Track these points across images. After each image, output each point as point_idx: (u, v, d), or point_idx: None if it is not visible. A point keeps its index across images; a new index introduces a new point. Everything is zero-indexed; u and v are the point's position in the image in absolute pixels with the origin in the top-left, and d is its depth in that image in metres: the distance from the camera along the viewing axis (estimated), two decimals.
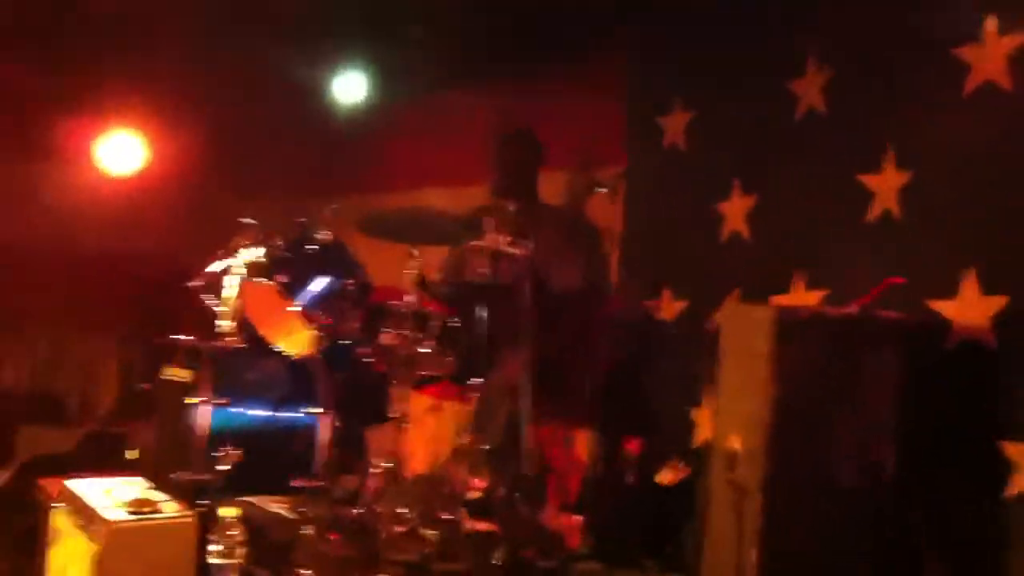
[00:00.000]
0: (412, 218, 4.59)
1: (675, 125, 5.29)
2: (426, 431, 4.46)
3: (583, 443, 4.71)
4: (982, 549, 3.61)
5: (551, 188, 5.51)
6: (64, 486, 3.64)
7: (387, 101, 6.53)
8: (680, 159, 5.29)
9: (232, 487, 3.90)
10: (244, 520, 3.46)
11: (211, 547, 3.36)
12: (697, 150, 5.22)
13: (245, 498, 3.71)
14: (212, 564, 3.35)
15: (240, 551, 3.38)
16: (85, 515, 3.34)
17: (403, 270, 4.43)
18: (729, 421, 3.58)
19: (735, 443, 3.42)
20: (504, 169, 5.23)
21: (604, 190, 4.87)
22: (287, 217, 4.88)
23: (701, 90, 5.19)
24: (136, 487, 3.58)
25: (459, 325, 4.47)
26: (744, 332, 3.66)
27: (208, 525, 3.40)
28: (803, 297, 4.44)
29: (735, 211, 4.90)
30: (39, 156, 6.30)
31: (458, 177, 6.11)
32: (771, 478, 3.36)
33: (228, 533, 3.37)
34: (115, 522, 3.17)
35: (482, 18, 5.49)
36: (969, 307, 3.82)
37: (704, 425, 4.60)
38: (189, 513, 3.33)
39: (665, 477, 3.97)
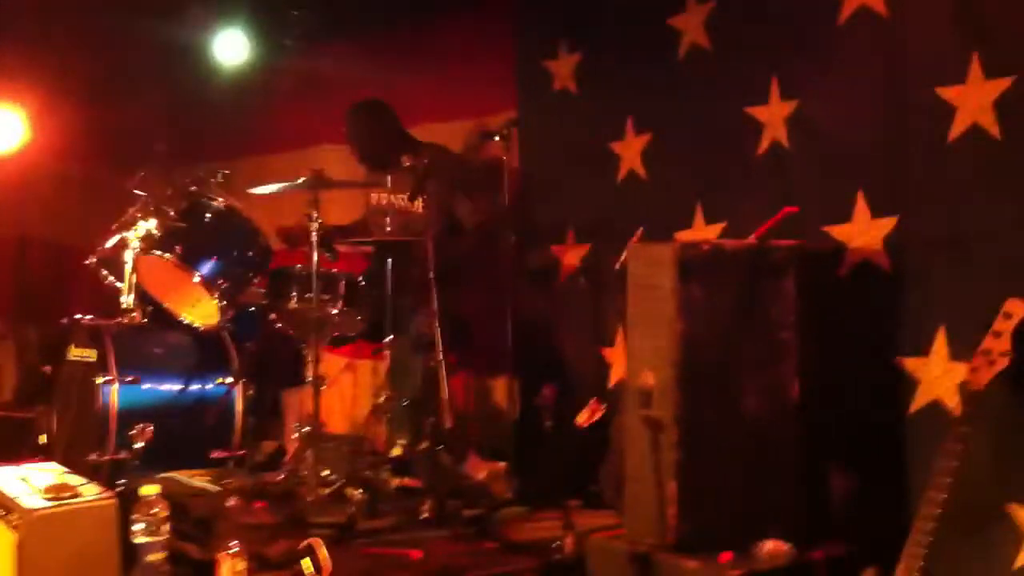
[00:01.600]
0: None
1: (563, 69, 5.30)
2: (342, 391, 4.48)
3: (500, 390, 4.77)
4: (889, 466, 3.74)
5: (444, 139, 5.51)
6: None
7: (270, 59, 6.42)
8: (571, 102, 5.31)
9: (150, 464, 3.87)
10: (166, 496, 3.43)
11: (134, 527, 3.33)
12: (587, 92, 5.25)
13: (165, 474, 3.68)
14: (137, 543, 3.33)
15: (164, 528, 3.36)
16: (2, 505, 3.27)
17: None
18: (639, 359, 3.64)
19: (647, 380, 3.50)
20: (359, 140, 5.22)
21: (497, 138, 4.89)
22: (178, 186, 4.80)
23: (586, 32, 5.20)
24: (51, 472, 3.51)
25: (365, 283, 4.47)
26: (647, 270, 3.71)
27: (129, 505, 3.37)
28: (704, 232, 4.52)
29: (630, 150, 4.95)
30: None
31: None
32: (683, 412, 3.44)
33: (151, 511, 3.34)
34: (35, 510, 3.11)
35: None
36: (861, 231, 3.95)
37: (617, 364, 4.69)
38: (109, 495, 3.28)
39: (583, 418, 4.04)
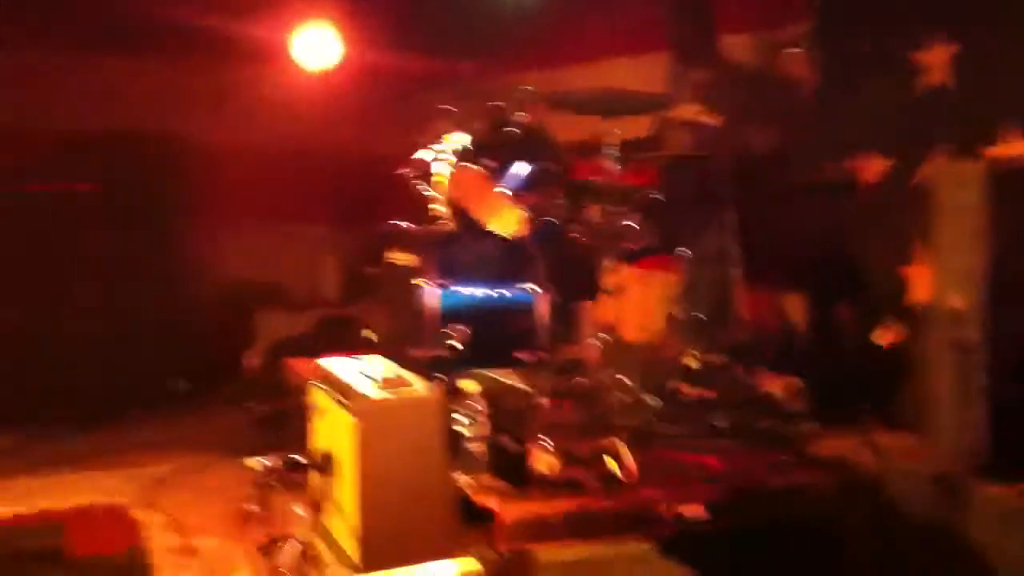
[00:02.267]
0: (602, 95, 4.69)
1: None
2: (637, 302, 4.63)
3: (793, 305, 4.79)
4: None
5: (738, 52, 5.49)
6: (319, 365, 3.96)
7: None
8: (870, 9, 5.15)
9: (463, 362, 4.18)
10: (482, 392, 3.75)
11: (456, 417, 3.66)
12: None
13: (478, 371, 3.97)
14: (459, 433, 3.66)
15: (483, 421, 3.67)
16: (342, 392, 3.64)
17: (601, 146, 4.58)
18: (946, 280, 3.60)
19: (955, 302, 3.46)
20: (681, 37, 5.23)
21: (794, 50, 4.83)
22: (482, 100, 5.04)
23: None
24: (382, 365, 3.87)
25: (660, 197, 4.59)
26: (955, 188, 3.64)
27: (451, 398, 3.70)
28: (1013, 148, 4.34)
29: (936, 61, 4.77)
30: (239, 57, 6.59)
31: (641, 45, 6.12)
32: (992, 334, 3.38)
33: (470, 404, 3.66)
34: (372, 398, 3.45)
35: None
36: None
37: (917, 284, 4.60)
38: (435, 387, 3.60)
39: (881, 337, 4.02)
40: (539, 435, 3.56)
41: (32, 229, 5.91)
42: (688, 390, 4.20)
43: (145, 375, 6.03)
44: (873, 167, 5.01)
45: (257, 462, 3.61)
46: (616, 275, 4.50)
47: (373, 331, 4.81)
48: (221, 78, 6.74)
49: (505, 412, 3.74)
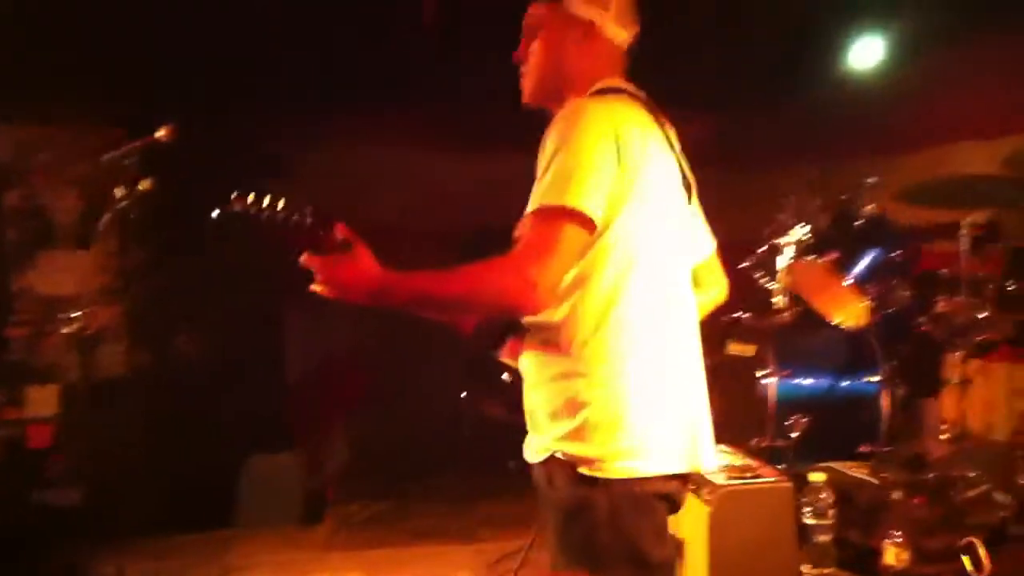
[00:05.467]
0: (958, 185, 4.65)
1: None
2: (984, 396, 4.51)
3: None
4: None
5: None
6: None
7: (911, 56, 6.44)
8: None
9: (803, 453, 4.25)
10: (830, 484, 3.82)
11: (804, 509, 3.75)
12: None
13: (823, 464, 4.04)
14: (807, 524, 3.75)
15: (831, 513, 3.74)
16: (693, 479, 3.83)
17: (955, 235, 4.53)
18: None
19: None
20: None
21: None
22: (826, 190, 5.11)
23: None
24: (729, 454, 4.04)
25: (1016, 288, 4.47)
26: None
27: (798, 489, 3.78)
28: None
29: None
30: None
31: (994, 128, 5.95)
32: None
33: (818, 496, 3.75)
34: (723, 486, 3.63)
35: None
36: None
37: None
38: (785, 478, 3.71)
39: None
40: (891, 529, 3.58)
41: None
42: None
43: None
44: None
45: None
46: (963, 368, 4.43)
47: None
48: None
49: (854, 505, 3.79)
